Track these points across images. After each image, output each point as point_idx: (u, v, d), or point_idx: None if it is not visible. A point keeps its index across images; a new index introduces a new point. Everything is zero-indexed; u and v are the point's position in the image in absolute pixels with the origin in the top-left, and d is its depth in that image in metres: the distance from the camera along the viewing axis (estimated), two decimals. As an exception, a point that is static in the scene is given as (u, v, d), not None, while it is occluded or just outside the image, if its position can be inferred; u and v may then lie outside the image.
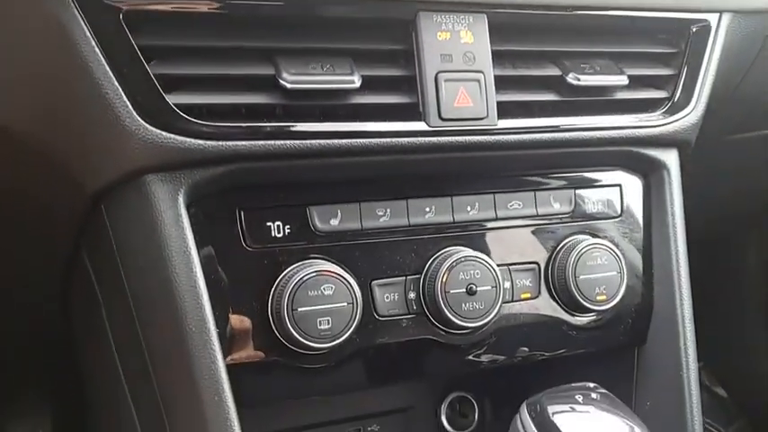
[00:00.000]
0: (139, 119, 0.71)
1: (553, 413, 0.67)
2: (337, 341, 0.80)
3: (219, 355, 0.74)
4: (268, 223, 0.81)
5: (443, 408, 1.16)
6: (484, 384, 1.17)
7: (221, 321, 0.77)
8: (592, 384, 0.72)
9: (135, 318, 0.79)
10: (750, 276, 1.94)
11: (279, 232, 0.81)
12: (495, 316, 0.87)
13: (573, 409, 0.69)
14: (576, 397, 0.70)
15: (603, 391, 0.71)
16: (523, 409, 0.70)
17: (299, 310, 0.78)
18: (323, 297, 0.79)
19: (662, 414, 0.96)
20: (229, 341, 0.78)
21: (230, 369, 0.76)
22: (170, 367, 0.76)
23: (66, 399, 1.46)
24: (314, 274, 0.79)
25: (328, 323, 0.79)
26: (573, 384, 0.73)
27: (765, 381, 2.03)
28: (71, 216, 0.85)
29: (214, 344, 0.74)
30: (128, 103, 0.71)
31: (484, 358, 0.91)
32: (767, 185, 1.50)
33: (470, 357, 0.90)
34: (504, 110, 0.85)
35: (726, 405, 2.12)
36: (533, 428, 0.68)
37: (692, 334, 0.97)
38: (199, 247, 0.76)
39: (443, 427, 1.15)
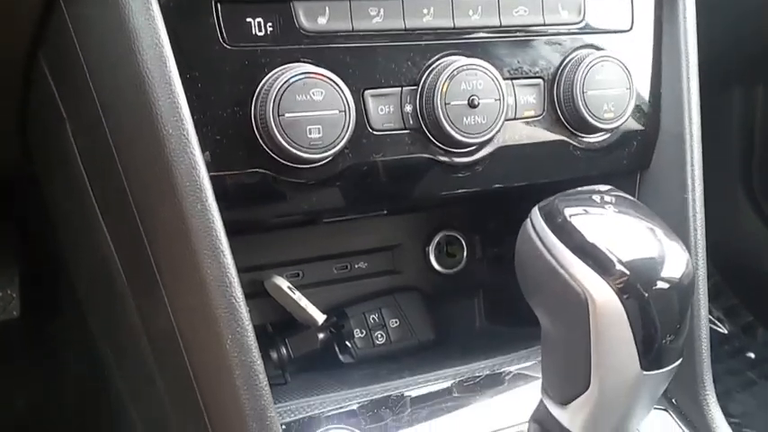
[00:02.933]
0: None
1: (570, 215, 0.62)
2: (329, 152, 0.73)
3: (200, 160, 0.67)
4: (248, 19, 0.72)
5: (432, 246, 1.11)
6: (473, 223, 1.13)
7: (200, 127, 0.69)
8: (605, 187, 0.67)
9: (105, 127, 0.71)
10: (735, 135, 1.92)
11: (261, 30, 0.72)
12: (497, 132, 0.80)
13: (588, 212, 0.63)
14: (593, 198, 0.65)
15: (619, 192, 0.66)
16: (535, 213, 0.64)
17: (287, 116, 0.71)
18: (312, 103, 0.71)
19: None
20: (210, 152, 0.71)
21: (213, 182, 0.69)
22: (147, 177, 0.68)
23: (33, 249, 1.40)
24: (302, 76, 0.71)
25: (319, 132, 0.72)
26: (584, 187, 0.67)
27: (739, 239, 2.05)
28: (26, 15, 0.74)
29: (194, 147, 0.66)
30: None
31: (483, 181, 0.85)
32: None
33: (469, 179, 0.84)
34: None
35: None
36: (549, 232, 0.62)
37: (700, 155, 0.92)
38: (171, 40, 0.67)
39: (431, 265, 1.11)
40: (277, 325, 1.00)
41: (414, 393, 0.87)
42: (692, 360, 0.91)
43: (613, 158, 0.90)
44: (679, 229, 0.91)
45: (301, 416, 0.81)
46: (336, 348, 1.02)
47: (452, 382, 0.89)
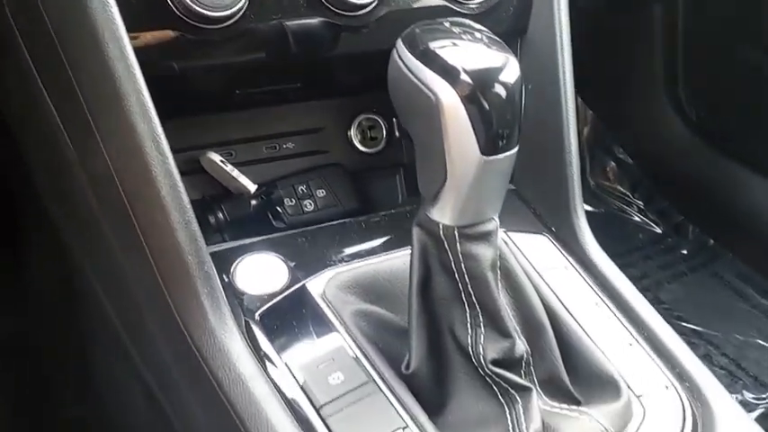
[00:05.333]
0: None
1: (427, 41, 0.75)
2: (229, 11, 0.85)
3: (117, 16, 0.79)
4: None
5: (353, 128, 1.25)
6: (391, 107, 1.26)
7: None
8: (459, 19, 0.80)
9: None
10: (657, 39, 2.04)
11: None
12: None
13: (441, 36, 0.76)
14: (447, 26, 0.78)
15: (471, 23, 0.78)
16: (399, 43, 0.77)
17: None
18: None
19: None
20: (122, 14, 0.82)
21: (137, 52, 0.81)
22: (74, 31, 0.80)
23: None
24: None
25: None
26: (442, 19, 0.79)
27: (667, 144, 2.18)
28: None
29: (111, 5, 0.79)
30: None
31: (376, 41, 0.97)
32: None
33: (363, 40, 0.96)
34: None
35: (631, 170, 2.29)
36: (410, 56, 0.75)
37: (567, 18, 1.05)
38: None
39: (354, 145, 1.25)
40: (213, 197, 1.13)
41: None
42: (565, 190, 1.05)
43: (493, 22, 1.03)
44: (553, 89, 1.05)
45: (231, 246, 0.94)
46: (269, 215, 1.15)
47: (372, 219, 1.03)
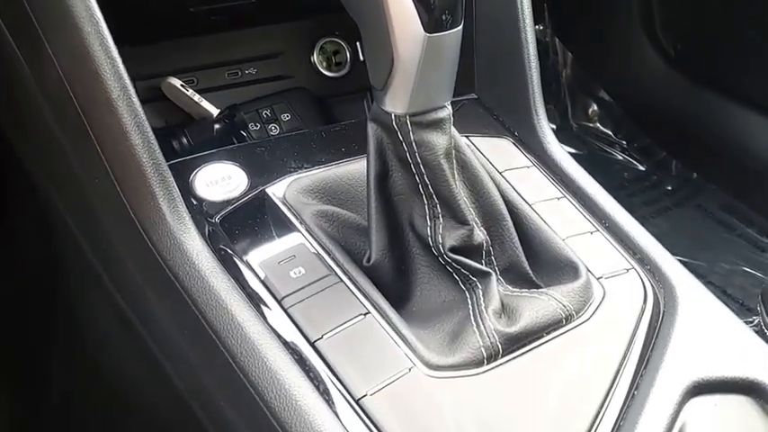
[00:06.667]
0: None
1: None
2: None
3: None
4: None
5: (316, 51, 1.25)
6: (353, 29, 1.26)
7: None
8: None
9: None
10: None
11: None
12: None
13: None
14: None
15: None
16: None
17: None
18: None
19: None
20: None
21: None
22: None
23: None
24: None
25: None
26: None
27: (647, 81, 2.18)
28: None
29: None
30: None
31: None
32: None
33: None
34: None
35: (613, 110, 2.29)
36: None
37: None
38: None
39: (317, 69, 1.25)
40: (176, 124, 1.13)
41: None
42: (525, 93, 1.05)
43: None
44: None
45: (190, 158, 0.94)
46: (234, 140, 1.16)
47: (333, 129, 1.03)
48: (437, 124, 0.81)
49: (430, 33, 0.75)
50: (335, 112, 1.25)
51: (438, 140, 0.81)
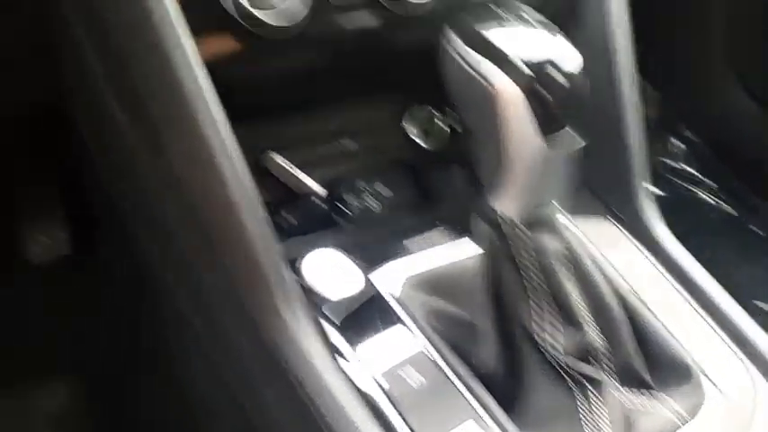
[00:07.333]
0: None
1: (478, 28, 0.75)
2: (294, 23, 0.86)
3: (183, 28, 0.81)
4: None
5: (414, 124, 1.24)
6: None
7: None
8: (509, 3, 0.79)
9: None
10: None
11: None
12: None
13: (494, 24, 0.76)
14: (502, 14, 0.77)
15: (518, 4, 0.78)
16: (449, 34, 0.77)
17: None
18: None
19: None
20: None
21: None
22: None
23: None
24: None
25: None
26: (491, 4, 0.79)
27: (736, 121, 2.12)
28: None
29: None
30: None
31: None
32: None
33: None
34: None
35: (700, 150, 2.22)
36: (461, 44, 0.75)
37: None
38: None
39: (415, 142, 1.24)
40: (278, 200, 1.15)
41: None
42: (628, 174, 1.03)
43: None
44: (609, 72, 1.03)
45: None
46: (335, 216, 1.17)
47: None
48: (548, 224, 0.81)
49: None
50: (434, 184, 1.24)
51: (550, 243, 0.81)
